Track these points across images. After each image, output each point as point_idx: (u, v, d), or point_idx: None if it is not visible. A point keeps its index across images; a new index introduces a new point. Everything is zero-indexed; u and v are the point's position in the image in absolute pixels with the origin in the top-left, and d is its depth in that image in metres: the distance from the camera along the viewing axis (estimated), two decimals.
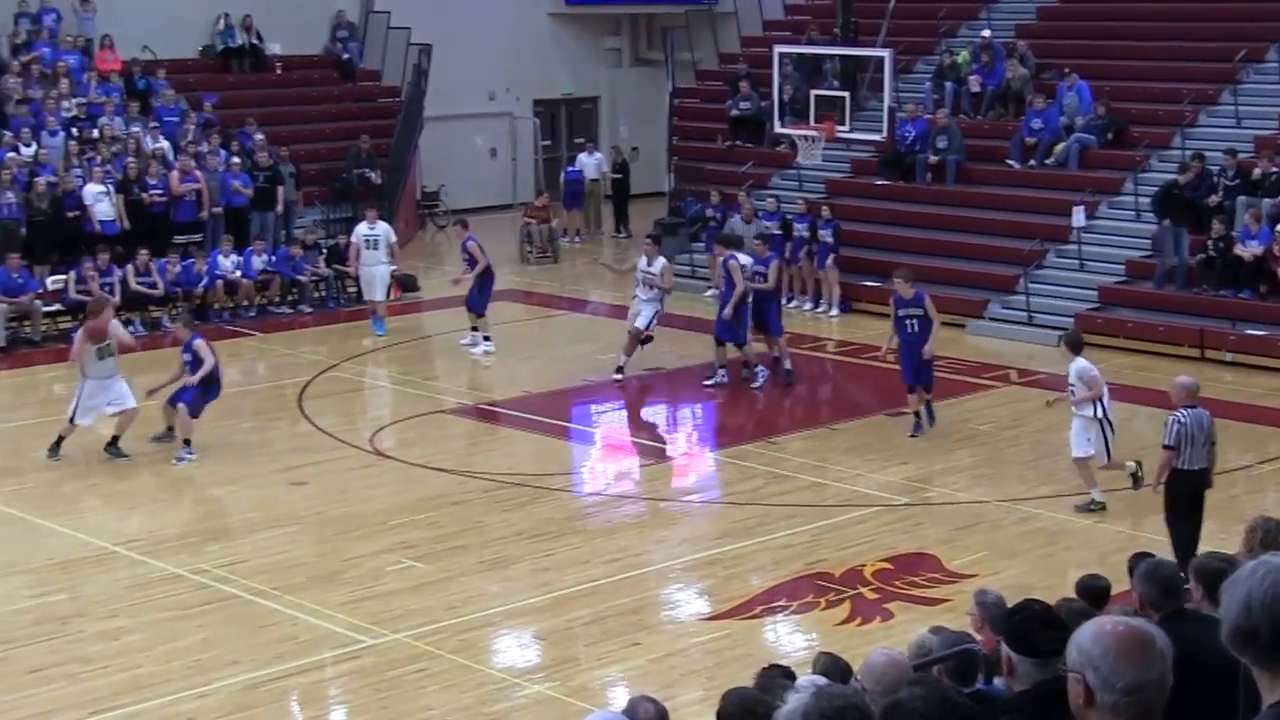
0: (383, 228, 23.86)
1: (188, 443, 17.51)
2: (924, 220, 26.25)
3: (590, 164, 33.29)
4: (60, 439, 17.38)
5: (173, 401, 17.67)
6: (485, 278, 22.49)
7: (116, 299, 23.80)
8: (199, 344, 17.67)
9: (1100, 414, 15.09)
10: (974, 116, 27.92)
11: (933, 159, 26.73)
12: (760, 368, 20.45)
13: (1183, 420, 12.96)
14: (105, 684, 11.65)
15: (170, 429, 17.88)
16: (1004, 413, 19.45)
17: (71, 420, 17.26)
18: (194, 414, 17.52)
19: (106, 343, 17.22)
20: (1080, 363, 15.15)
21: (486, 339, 22.37)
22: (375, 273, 23.68)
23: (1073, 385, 15.19)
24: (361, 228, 24.01)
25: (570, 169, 33.69)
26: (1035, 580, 13.12)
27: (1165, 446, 13.07)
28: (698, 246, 27.43)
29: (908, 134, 27.11)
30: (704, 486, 17.41)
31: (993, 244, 25.04)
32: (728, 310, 19.98)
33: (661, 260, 20.85)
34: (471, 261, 22.50)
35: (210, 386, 17.71)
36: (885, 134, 26.01)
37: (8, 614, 13.13)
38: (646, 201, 33.26)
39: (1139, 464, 15.07)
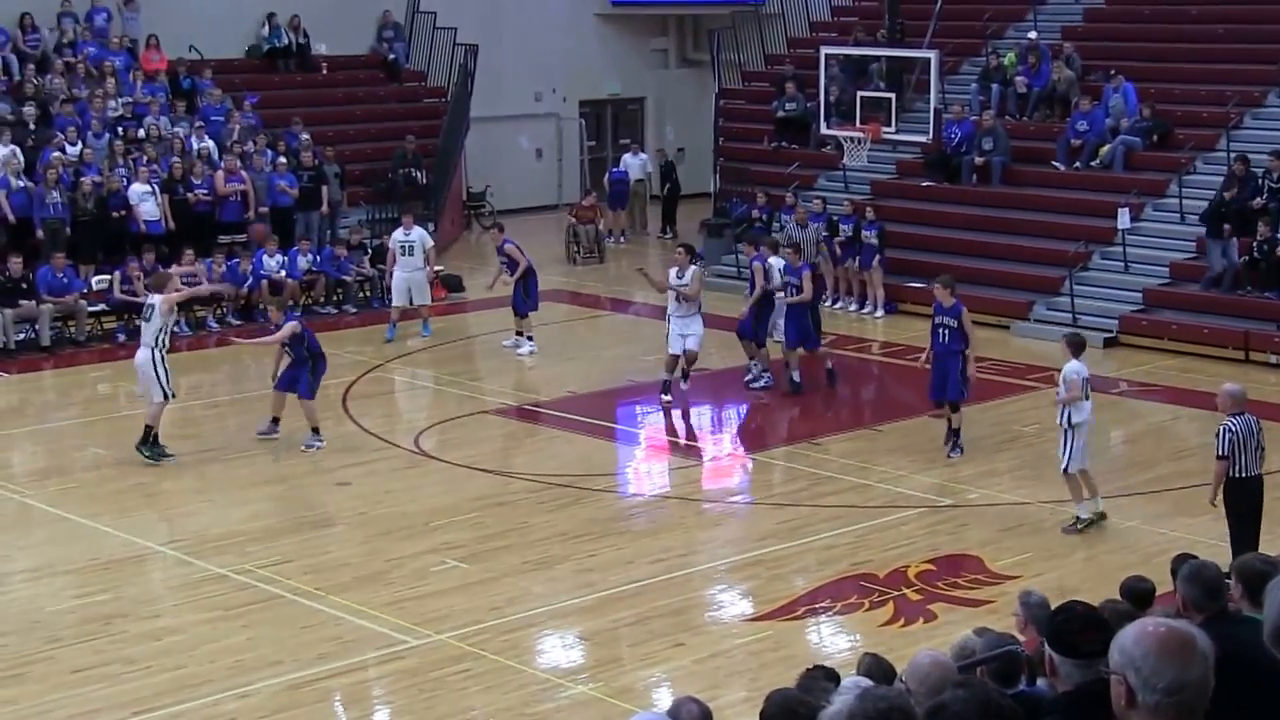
0: (418, 233, 23.71)
1: (316, 431, 17.80)
2: (969, 222, 26.13)
3: (635, 165, 33.28)
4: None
5: (283, 388, 17.86)
6: (528, 279, 22.48)
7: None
8: (290, 325, 17.98)
9: (1066, 421, 14.66)
10: (1019, 118, 27.77)
11: (978, 160, 26.60)
12: (767, 372, 20.29)
13: (1233, 429, 12.83)
14: (148, 684, 11.68)
15: (276, 420, 18.09)
16: (1048, 414, 19.24)
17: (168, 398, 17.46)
18: (310, 395, 17.85)
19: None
20: (1071, 364, 14.75)
21: (530, 339, 22.37)
22: (411, 278, 23.46)
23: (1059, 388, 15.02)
24: (397, 234, 23.92)
25: (615, 169, 33.69)
26: (1078, 582, 13.03)
27: (1219, 457, 12.92)
28: (743, 247, 27.36)
29: (953, 135, 26.99)
30: (748, 488, 17.37)
31: (1038, 246, 24.90)
32: (744, 309, 20.05)
33: (693, 269, 19.98)
34: (512, 265, 22.49)
35: (318, 363, 18.00)
36: (931, 135, 25.88)
37: (52, 614, 13.19)
38: (692, 202, 33.23)
39: (1099, 516, 14.79)
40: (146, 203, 25.19)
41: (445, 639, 12.45)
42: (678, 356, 19.59)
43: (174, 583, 13.85)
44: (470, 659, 12.09)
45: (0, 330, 22.74)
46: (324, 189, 27.32)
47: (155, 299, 17.50)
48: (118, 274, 23.96)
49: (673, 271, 20.08)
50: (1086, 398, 14.76)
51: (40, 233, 24.40)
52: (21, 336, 23.07)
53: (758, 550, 14.48)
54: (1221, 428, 12.98)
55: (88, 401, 20.99)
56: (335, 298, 25.93)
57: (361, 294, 26.23)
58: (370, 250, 26.54)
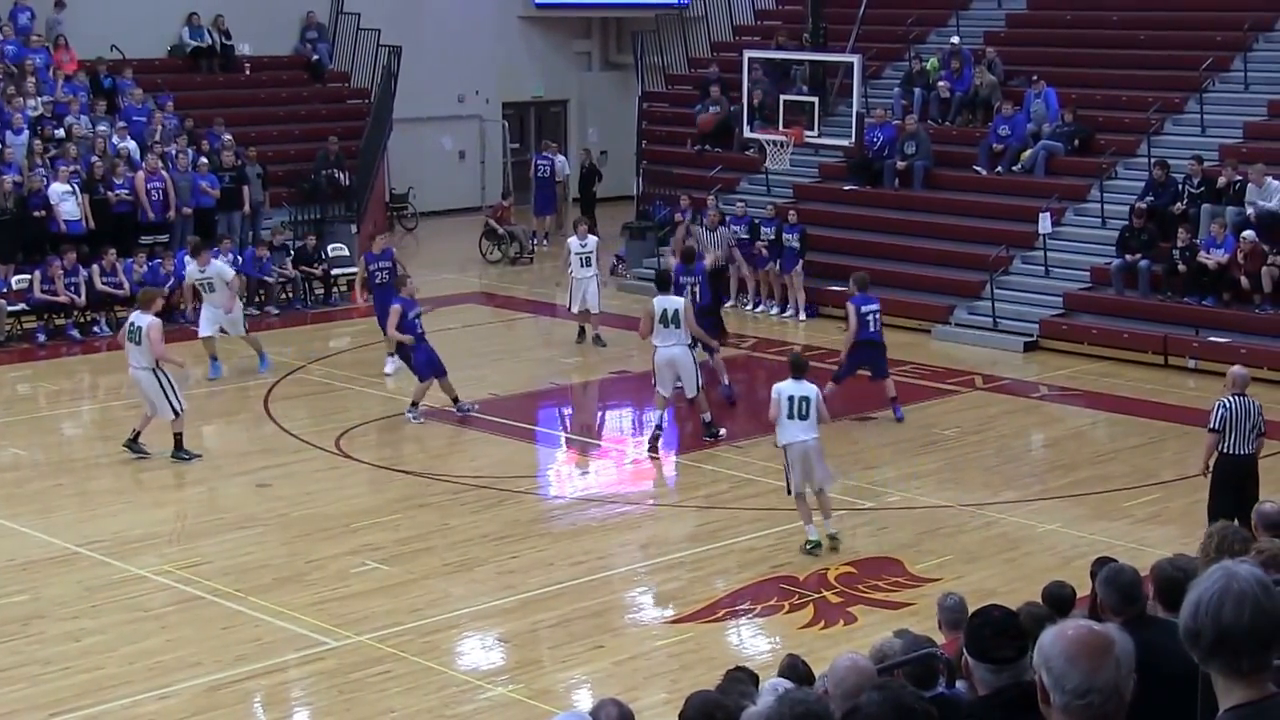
0: (215, 268, 21.43)
1: (415, 405, 18.88)
2: (891, 225, 26.34)
3: (556, 165, 33.24)
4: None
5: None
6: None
7: (82, 299, 23.82)
8: (395, 308, 19.06)
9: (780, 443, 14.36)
10: (942, 123, 28.02)
11: (901, 164, 26.82)
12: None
13: (1226, 405, 13.32)
14: (67, 685, 11.60)
15: (457, 398, 19.06)
16: (968, 418, 19.54)
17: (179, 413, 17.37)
18: (423, 377, 18.92)
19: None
20: (779, 385, 14.36)
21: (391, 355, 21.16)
22: (215, 316, 21.32)
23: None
24: (192, 269, 21.85)
25: (540, 172, 33.58)
26: (999, 584, 13.20)
27: (1210, 430, 13.43)
28: (664, 250, 27.46)
29: (876, 139, 27.20)
30: (669, 490, 17.44)
31: (959, 250, 25.14)
32: None
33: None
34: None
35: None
36: (853, 139, 26.07)
37: None
38: (615, 205, 33.28)
39: (831, 539, 14.41)
40: (67, 202, 24.93)
41: (365, 640, 12.44)
42: (584, 314, 21.94)
43: (93, 584, 13.73)
44: (391, 660, 12.09)
45: None
46: (246, 190, 27.15)
47: (144, 320, 17.26)
48: (38, 273, 23.72)
49: (574, 240, 22.72)
50: (795, 417, 14.21)
51: None
52: None
53: (679, 552, 14.56)
54: (1217, 402, 13.48)
55: (7, 402, 20.76)
56: (258, 299, 25.78)
57: (284, 295, 26.10)
58: (292, 252, 26.40)
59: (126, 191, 25.63)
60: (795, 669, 7.79)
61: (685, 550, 14.54)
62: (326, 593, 13.52)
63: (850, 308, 18.95)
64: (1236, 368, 14.00)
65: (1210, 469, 13.54)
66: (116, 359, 22.54)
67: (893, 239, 26.00)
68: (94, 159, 25.81)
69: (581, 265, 22.84)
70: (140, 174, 25.89)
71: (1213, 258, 22.01)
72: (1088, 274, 23.80)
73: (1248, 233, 21.83)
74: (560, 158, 33.61)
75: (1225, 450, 13.36)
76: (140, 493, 16.52)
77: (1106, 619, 6.06)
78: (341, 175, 29.19)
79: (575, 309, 22.98)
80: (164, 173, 26.12)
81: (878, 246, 25.83)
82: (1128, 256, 22.80)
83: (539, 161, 33.05)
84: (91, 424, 20.16)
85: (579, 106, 38.41)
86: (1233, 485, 13.24)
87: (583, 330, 23.21)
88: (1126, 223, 23.25)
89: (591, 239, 23.28)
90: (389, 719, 11.21)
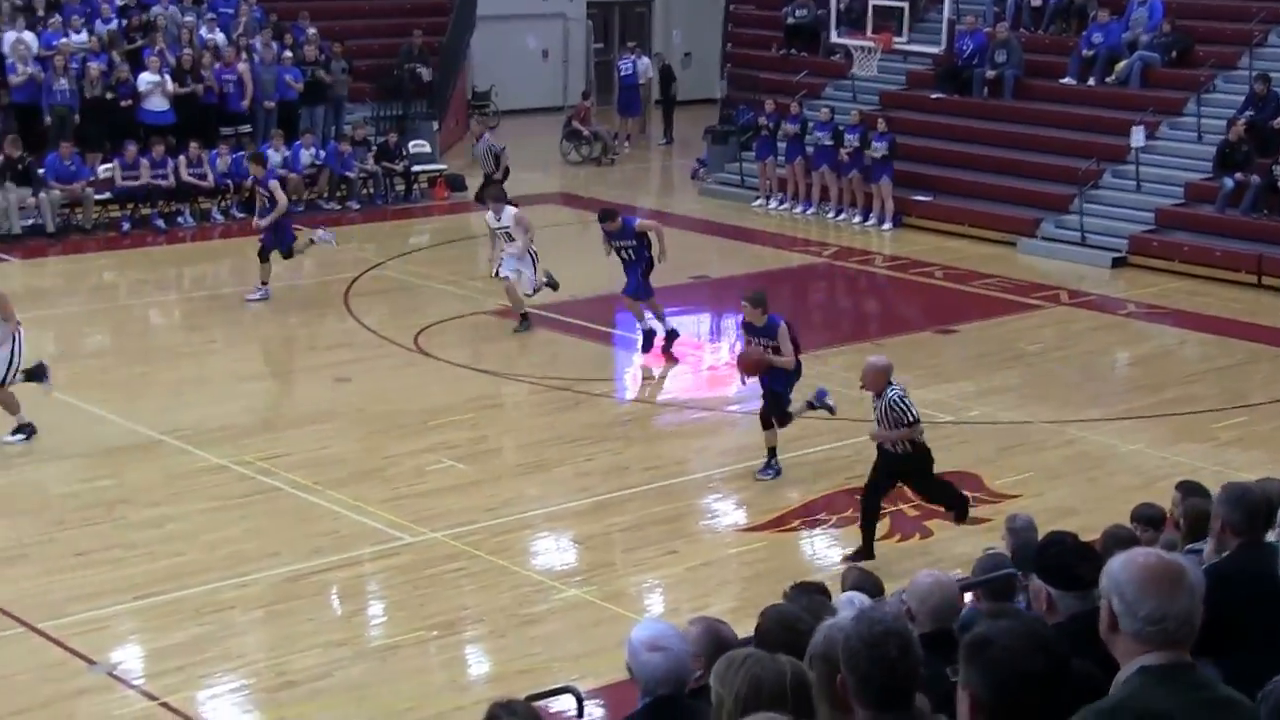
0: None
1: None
2: (978, 135, 25.95)
3: (639, 67, 32.98)
4: None
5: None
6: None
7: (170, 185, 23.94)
8: (516, 212, 18.47)
9: None
10: (1034, 31, 27.50)
11: (990, 73, 26.38)
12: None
13: None
14: (149, 570, 11.76)
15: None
16: (1052, 334, 19.31)
17: None
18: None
19: None
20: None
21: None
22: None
23: None
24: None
25: (623, 73, 33.31)
26: (1079, 503, 13.08)
27: None
28: (748, 155, 27.24)
29: (966, 47, 26.75)
30: (746, 397, 17.36)
31: (1048, 162, 24.73)
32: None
33: (510, 210, 18.56)
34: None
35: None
36: (943, 47, 25.66)
37: (57, 497, 13.27)
38: (697, 108, 33.02)
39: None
40: (154, 92, 25.00)
41: (440, 537, 12.51)
42: (503, 278, 18.48)
43: (175, 471, 13.89)
44: (465, 558, 12.15)
45: (4, 215, 22.69)
46: (330, 84, 27.12)
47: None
48: (117, 163, 23.85)
49: (489, 215, 18.81)
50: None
51: (48, 119, 24.30)
52: (29, 222, 23.02)
53: (754, 461, 14.48)
54: None
55: (93, 290, 20.95)
56: (339, 193, 25.84)
57: (365, 190, 26.13)
58: (374, 147, 26.39)
59: (213, 83, 25.67)
60: (866, 580, 7.73)
61: (760, 459, 14.47)
62: (402, 489, 13.60)
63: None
64: None
65: None
66: (201, 249, 22.79)
67: (980, 149, 25.63)
68: (182, 50, 25.83)
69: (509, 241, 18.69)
70: (227, 65, 25.91)
71: None
72: (1181, 190, 23.35)
73: None
74: (644, 59, 33.33)
75: None
76: (221, 384, 16.63)
77: (1225, 540, 5.94)
78: (424, 71, 29.07)
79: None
80: (240, 64, 26.09)
81: (964, 156, 25.49)
82: (1225, 174, 22.34)
83: (622, 63, 32.82)
84: (174, 314, 20.33)
85: (664, 7, 38.01)
86: None
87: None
88: (1224, 138, 22.77)
89: (509, 210, 18.74)
90: (462, 615, 11.29)
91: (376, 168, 26.20)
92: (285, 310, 19.44)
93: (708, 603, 10.96)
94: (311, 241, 20.01)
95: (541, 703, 6.80)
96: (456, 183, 26.89)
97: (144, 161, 23.89)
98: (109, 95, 24.68)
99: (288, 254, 19.84)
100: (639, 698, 5.31)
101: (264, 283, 19.68)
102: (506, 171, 24.68)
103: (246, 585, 11.60)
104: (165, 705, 9.78)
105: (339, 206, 25.63)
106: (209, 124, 25.51)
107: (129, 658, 10.68)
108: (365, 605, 11.89)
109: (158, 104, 24.97)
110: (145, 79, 24.98)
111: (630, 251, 17.79)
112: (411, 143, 27.32)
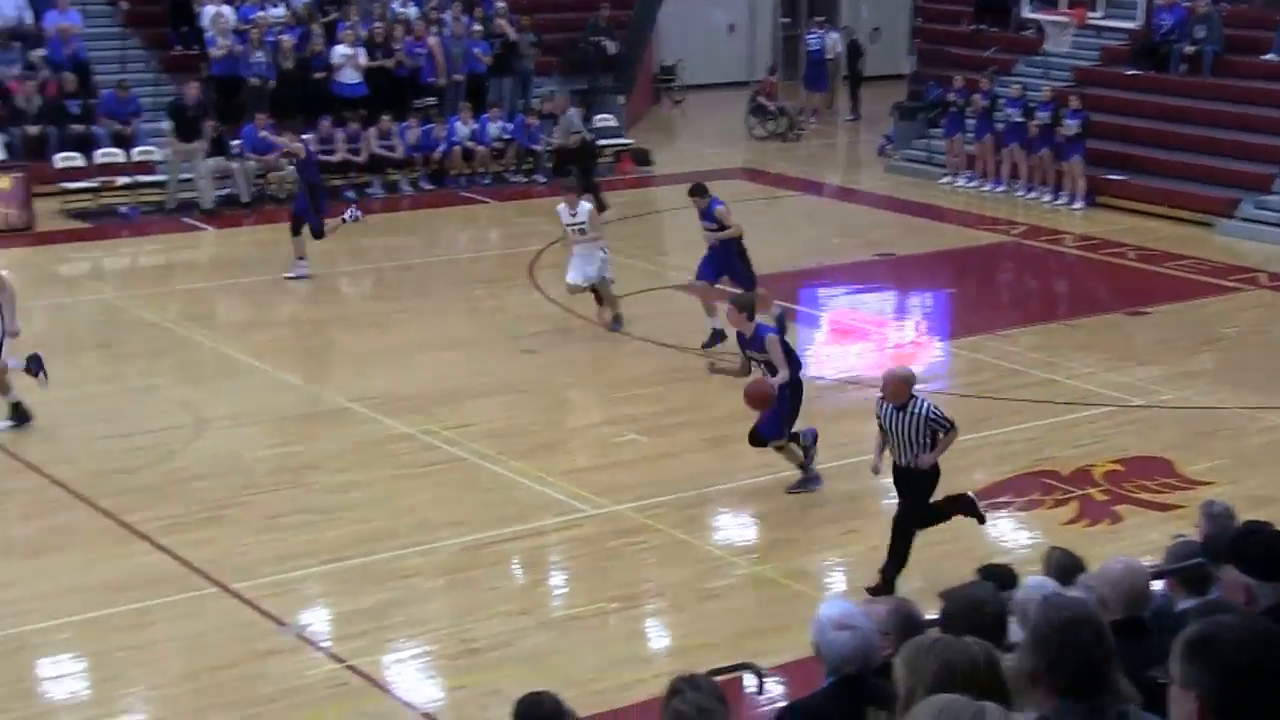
0: None
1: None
2: (1176, 113, 25.29)
3: (827, 41, 32.73)
4: None
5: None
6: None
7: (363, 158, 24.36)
8: (720, 209, 16.91)
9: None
10: (1236, 4, 26.69)
11: (1189, 49, 25.67)
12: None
13: None
14: (336, 535, 11.99)
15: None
16: (1250, 317, 18.76)
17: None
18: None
19: None
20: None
21: None
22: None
23: None
24: None
25: (813, 48, 33.06)
26: (1277, 492, 12.68)
27: None
28: (936, 132, 26.89)
29: (1164, 22, 26.06)
30: (931, 376, 17.15)
31: (1248, 140, 24.02)
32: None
33: (584, 205, 17.44)
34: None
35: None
36: (1140, 21, 25.03)
37: (249, 461, 13.60)
38: (885, 84, 32.67)
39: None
40: (347, 65, 25.45)
41: (623, 510, 12.56)
42: (575, 286, 17.36)
43: (362, 439, 14.15)
44: (647, 531, 12.19)
45: (203, 185, 23.33)
46: (518, 57, 27.36)
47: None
48: (313, 135, 24.31)
49: (563, 208, 17.52)
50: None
51: (244, 92, 24.90)
52: (225, 192, 23.64)
53: None
54: None
55: (285, 260, 21.38)
56: (525, 166, 26.06)
57: (550, 164, 26.32)
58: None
59: (404, 56, 26.05)
60: (1068, 562, 7.56)
61: None
62: (585, 461, 13.69)
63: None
64: None
65: None
66: (390, 220, 23.12)
67: (1177, 127, 24.99)
68: (375, 23, 26.25)
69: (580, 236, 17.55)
70: (418, 39, 26.28)
71: None
72: None
73: None
74: (832, 34, 33.08)
75: None
76: (409, 353, 16.87)
77: None
78: (610, 44, 29.16)
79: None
80: (430, 38, 26.42)
81: (1160, 134, 24.88)
82: None
83: (809, 37, 32.59)
84: (365, 283, 20.71)
85: None
86: None
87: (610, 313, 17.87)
88: None
89: (584, 206, 17.56)
90: (643, 589, 11.34)
91: None
92: (472, 282, 19.68)
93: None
94: (343, 220, 20.23)
95: (721, 678, 6.79)
96: (642, 157, 26.96)
97: (340, 135, 24.35)
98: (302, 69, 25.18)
99: (318, 234, 19.98)
100: (824, 675, 5.28)
101: (300, 257, 19.84)
102: (587, 154, 24.22)
103: (430, 553, 11.77)
104: (351, 668, 9.97)
105: (525, 180, 25.86)
106: (400, 96, 25.90)
107: (317, 620, 10.92)
108: (547, 575, 11.99)
109: (350, 77, 25.42)
110: (339, 52, 25.45)
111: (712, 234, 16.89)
112: (597, 116, 27.44)
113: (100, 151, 23.81)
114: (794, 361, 13.03)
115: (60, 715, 9.59)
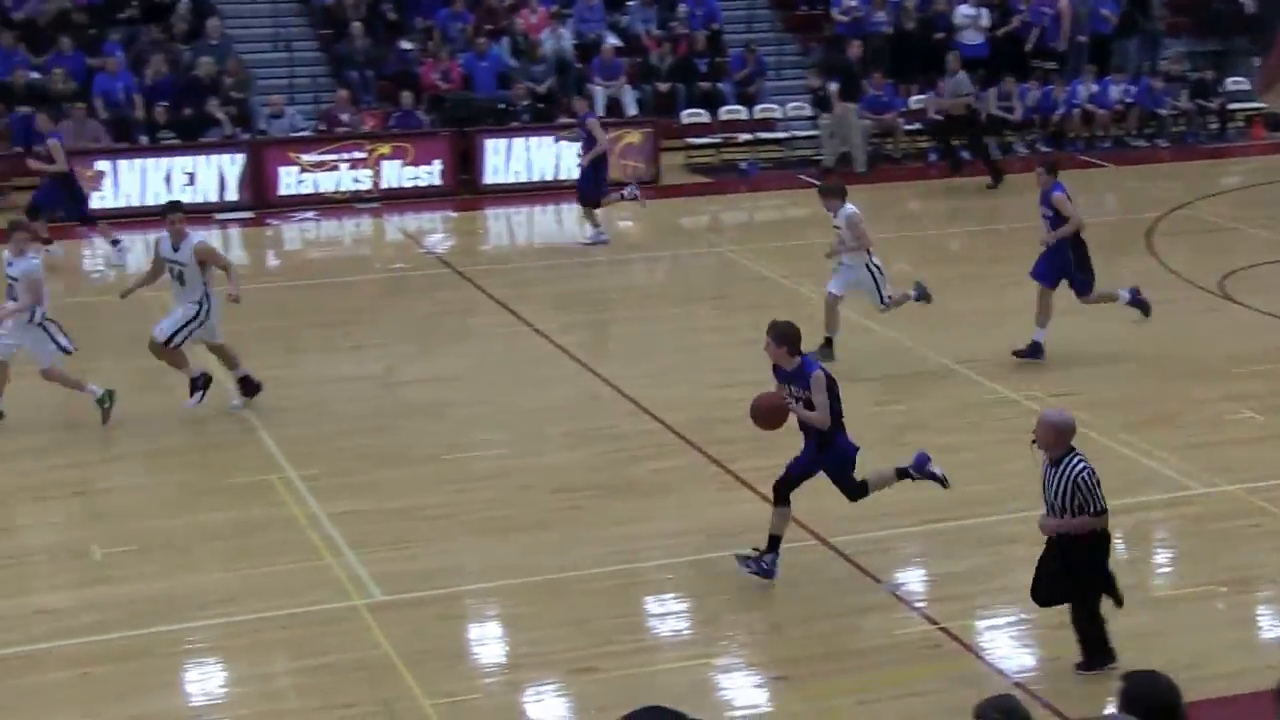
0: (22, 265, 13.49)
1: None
2: None
3: None
4: None
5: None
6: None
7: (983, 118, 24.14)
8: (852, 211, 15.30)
9: None
10: None
11: None
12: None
13: None
14: (933, 496, 11.65)
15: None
16: None
17: None
18: None
19: None
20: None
21: None
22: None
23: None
24: None
25: None
26: None
27: None
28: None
29: None
30: None
31: None
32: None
33: (846, 211, 15.19)
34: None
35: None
36: None
37: (852, 420, 13.61)
38: None
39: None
40: (970, 26, 25.30)
41: (1235, 490, 11.96)
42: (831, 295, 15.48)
43: (966, 401, 14.10)
44: (1260, 514, 11.57)
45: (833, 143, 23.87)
46: (1147, 18, 26.42)
47: None
48: (930, 95, 24.35)
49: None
50: None
51: (864, 50, 25.23)
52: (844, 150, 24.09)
53: None
54: None
55: (900, 218, 21.53)
56: (1148, 130, 25.15)
57: (1175, 128, 25.29)
58: (1190, 83, 25.44)
59: (1029, 16, 25.63)
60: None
61: None
62: (1197, 437, 13.12)
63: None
64: None
65: None
66: (1005, 182, 22.80)
67: None
68: None
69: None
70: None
71: None
72: None
73: None
74: None
75: None
76: (1016, 317, 16.12)
77: None
78: (1248, 2, 27.63)
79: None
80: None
81: None
82: None
83: None
84: (978, 245, 20.57)
85: None
86: None
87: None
88: None
89: (845, 211, 15.26)
90: (1256, 574, 10.78)
91: (1190, 105, 25.26)
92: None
93: None
94: (621, 197, 19.83)
95: None
96: (1275, 122, 25.47)
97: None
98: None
99: (595, 203, 19.78)
100: None
101: (596, 225, 19.81)
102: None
103: (1026, 521, 11.51)
104: (945, 630, 9.95)
105: (1146, 143, 24.96)
106: (1020, 57, 25.50)
107: (912, 580, 10.96)
108: (1150, 553, 11.58)
109: (972, 38, 25.23)
110: (962, 12, 25.31)
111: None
112: (1229, 79, 26.13)
113: (725, 109, 24.71)
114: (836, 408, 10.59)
115: (664, 651, 10.00)
